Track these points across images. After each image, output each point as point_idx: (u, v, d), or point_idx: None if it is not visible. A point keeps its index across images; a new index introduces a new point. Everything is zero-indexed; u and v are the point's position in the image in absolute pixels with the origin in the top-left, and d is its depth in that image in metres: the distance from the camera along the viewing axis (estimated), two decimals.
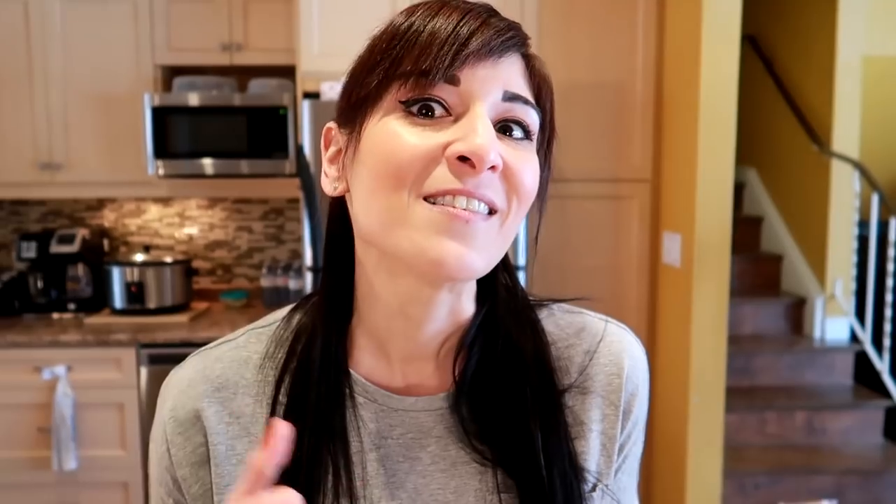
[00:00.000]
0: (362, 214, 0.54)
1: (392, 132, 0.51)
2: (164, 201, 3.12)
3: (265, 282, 3.00)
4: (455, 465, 0.58)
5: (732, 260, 3.64)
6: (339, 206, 0.61)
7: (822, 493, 2.72)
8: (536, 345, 0.60)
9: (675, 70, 2.47)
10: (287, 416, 0.57)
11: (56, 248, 2.82)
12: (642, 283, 2.63)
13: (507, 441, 0.57)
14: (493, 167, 0.50)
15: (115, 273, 2.75)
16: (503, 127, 0.53)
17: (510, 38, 0.53)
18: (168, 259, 2.84)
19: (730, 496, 2.70)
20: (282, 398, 0.58)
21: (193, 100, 2.67)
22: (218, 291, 3.12)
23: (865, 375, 3.25)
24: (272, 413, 0.58)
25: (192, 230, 3.15)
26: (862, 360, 3.27)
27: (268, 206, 3.15)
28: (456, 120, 0.51)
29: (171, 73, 2.88)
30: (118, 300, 2.76)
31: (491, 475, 0.57)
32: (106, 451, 2.55)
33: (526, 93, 0.54)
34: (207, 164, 2.68)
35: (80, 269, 2.85)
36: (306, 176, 2.36)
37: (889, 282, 3.10)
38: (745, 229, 3.89)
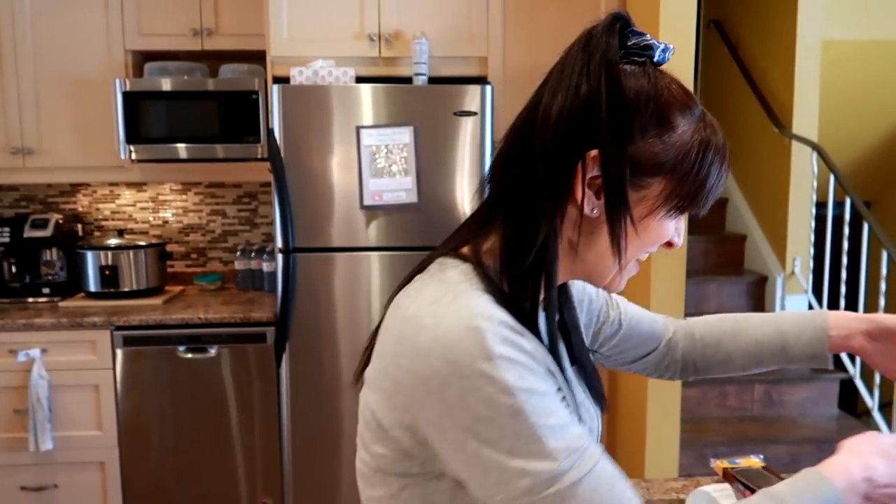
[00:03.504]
0: (597, 252, 0.74)
1: (667, 228, 0.75)
2: (138, 186, 3.15)
3: (239, 265, 3.05)
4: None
5: (698, 240, 3.75)
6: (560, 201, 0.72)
7: (778, 461, 2.84)
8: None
9: None
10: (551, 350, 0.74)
11: (29, 232, 2.84)
12: None
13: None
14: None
15: (89, 257, 2.79)
16: None
17: None
18: (142, 243, 2.88)
19: (690, 465, 2.81)
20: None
21: (165, 85, 2.69)
22: (192, 275, 3.16)
23: None
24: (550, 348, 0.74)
25: (166, 214, 3.18)
26: None
27: (241, 191, 3.19)
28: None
29: (142, 59, 2.90)
30: (92, 284, 2.79)
31: None
32: (82, 431, 2.59)
33: None
34: (180, 148, 2.72)
35: (54, 254, 2.88)
36: (277, 160, 2.41)
37: (844, 259, 3.21)
38: (711, 210, 3.99)
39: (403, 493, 0.71)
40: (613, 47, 0.70)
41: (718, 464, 1.19)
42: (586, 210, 0.71)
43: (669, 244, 0.77)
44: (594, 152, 0.69)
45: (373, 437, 0.72)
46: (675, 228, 0.76)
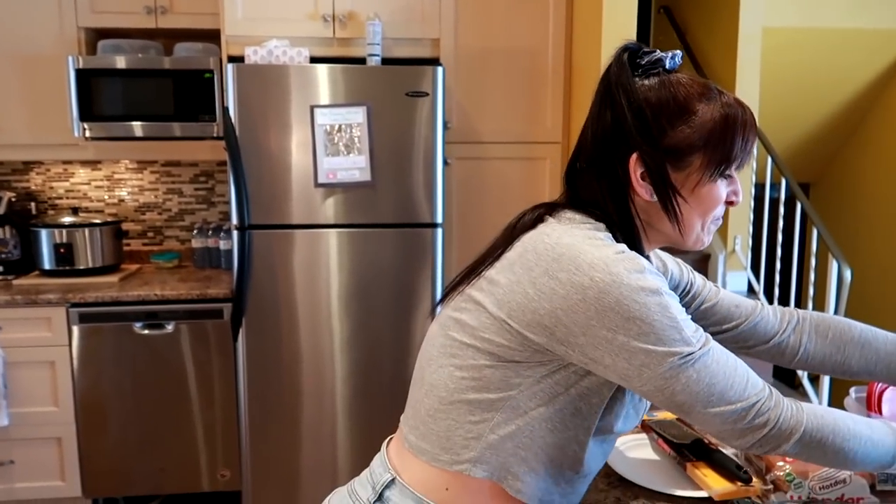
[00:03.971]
0: (675, 225, 0.92)
1: (719, 192, 0.92)
2: (93, 164, 3.15)
3: (196, 243, 3.08)
4: None
5: None
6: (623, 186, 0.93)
7: None
8: None
9: (581, 39, 2.64)
10: None
11: None
12: None
13: None
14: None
15: (44, 235, 2.79)
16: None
17: None
18: (97, 221, 2.89)
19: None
20: None
21: (119, 62, 2.70)
22: (149, 253, 3.18)
23: None
24: None
25: (121, 193, 3.19)
26: None
27: (198, 169, 3.21)
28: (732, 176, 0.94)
29: (95, 36, 2.89)
30: (47, 261, 2.80)
31: None
32: (38, 407, 2.62)
33: None
34: (135, 126, 2.73)
35: (7, 232, 2.87)
36: (232, 138, 2.45)
37: (779, 237, 3.38)
38: None
39: (527, 371, 0.87)
40: (625, 73, 0.91)
41: None
42: (647, 198, 0.91)
43: (731, 202, 0.94)
44: (634, 155, 0.89)
45: (491, 328, 0.87)
46: (732, 190, 0.94)
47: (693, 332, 0.84)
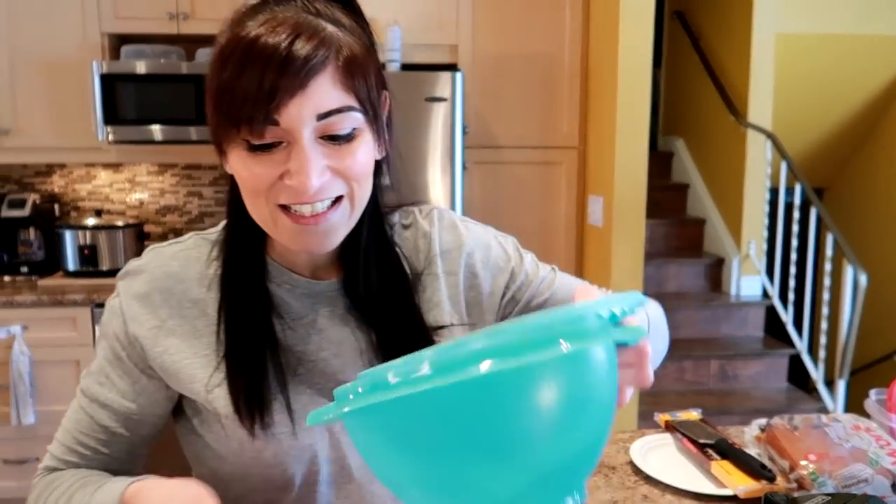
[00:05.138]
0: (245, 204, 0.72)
1: (245, 166, 0.67)
2: (114, 167, 3.20)
3: None
4: (348, 323, 0.81)
5: (660, 223, 3.91)
6: None
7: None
8: (392, 251, 0.83)
9: (598, 44, 2.67)
10: (230, 301, 0.77)
11: (6, 212, 2.88)
12: (570, 243, 2.85)
13: (385, 313, 0.80)
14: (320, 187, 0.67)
15: (68, 236, 2.84)
16: (329, 137, 0.67)
17: (311, 68, 0.63)
18: (119, 223, 2.94)
19: None
20: (227, 286, 0.78)
21: (141, 67, 2.75)
22: None
23: (775, 328, 3.57)
24: (221, 297, 0.77)
25: (142, 195, 3.24)
26: (772, 314, 3.59)
27: (217, 172, 3.25)
28: (287, 144, 0.66)
29: (118, 41, 2.94)
30: (71, 263, 2.85)
31: (367, 330, 0.81)
32: (63, 405, 2.63)
33: (339, 101, 0.66)
34: (156, 130, 2.77)
35: (32, 233, 2.92)
36: None
37: (794, 242, 3.40)
38: (674, 194, 4.17)
39: None
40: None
41: (661, 417, 1.33)
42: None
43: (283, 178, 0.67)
44: None
45: None
46: (290, 170, 0.66)
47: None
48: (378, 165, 0.77)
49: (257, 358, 0.74)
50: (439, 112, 2.53)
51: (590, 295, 0.59)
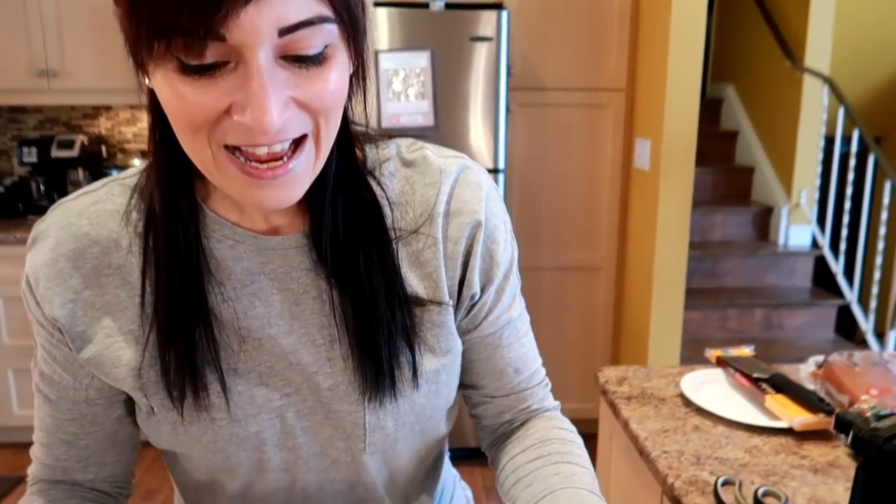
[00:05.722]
0: (180, 143, 0.54)
1: (175, 92, 0.49)
2: None
3: None
4: (307, 291, 0.64)
5: (707, 171, 3.82)
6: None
7: None
8: (370, 199, 0.64)
9: None
10: (157, 263, 0.61)
11: (56, 152, 2.94)
12: (614, 187, 2.80)
13: (349, 272, 0.62)
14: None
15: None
16: (293, 58, 0.50)
17: None
18: None
19: None
20: (151, 245, 0.61)
21: None
22: None
23: (824, 278, 3.49)
24: (144, 261, 0.61)
25: None
26: (821, 265, 3.50)
27: None
28: (236, 65, 0.48)
29: None
30: None
31: (331, 298, 0.63)
32: None
33: (308, 9, 0.48)
34: None
35: (81, 174, 2.98)
36: None
37: (848, 191, 3.28)
38: (722, 142, 4.05)
39: None
40: None
41: (713, 353, 1.31)
42: None
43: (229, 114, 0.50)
44: None
45: None
46: (240, 102, 0.49)
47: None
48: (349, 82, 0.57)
49: (187, 334, 0.61)
50: (482, 52, 2.48)
51: None
